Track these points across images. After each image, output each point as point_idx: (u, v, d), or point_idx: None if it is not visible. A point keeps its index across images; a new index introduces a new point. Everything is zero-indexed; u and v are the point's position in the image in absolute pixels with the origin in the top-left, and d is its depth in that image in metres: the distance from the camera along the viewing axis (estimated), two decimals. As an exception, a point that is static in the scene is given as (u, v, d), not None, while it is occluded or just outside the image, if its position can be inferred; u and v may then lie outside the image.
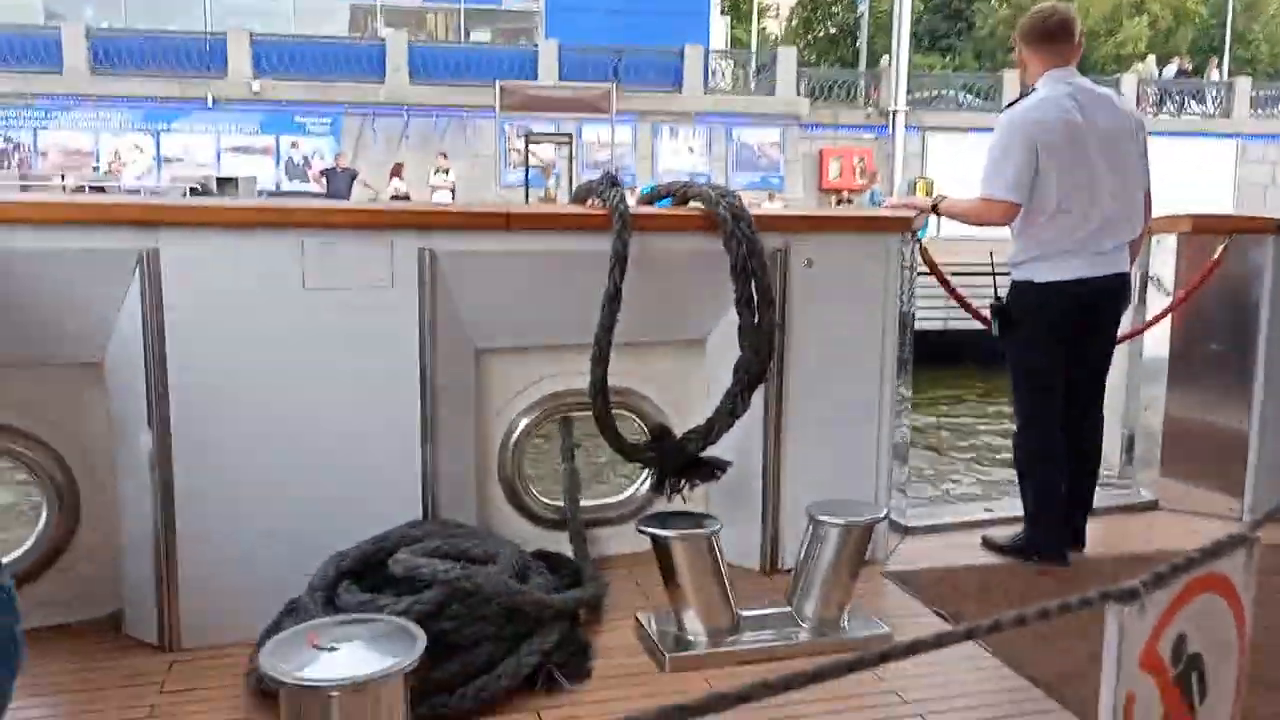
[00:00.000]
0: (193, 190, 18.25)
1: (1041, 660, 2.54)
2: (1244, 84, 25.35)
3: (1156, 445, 3.92)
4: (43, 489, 2.60)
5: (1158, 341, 3.89)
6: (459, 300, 2.72)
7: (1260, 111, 25.10)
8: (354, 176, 17.69)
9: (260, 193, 19.02)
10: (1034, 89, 3.22)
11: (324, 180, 17.99)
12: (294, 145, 21.64)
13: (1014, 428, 3.43)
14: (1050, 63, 3.18)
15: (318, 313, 2.57)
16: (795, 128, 22.47)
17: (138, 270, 2.41)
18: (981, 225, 3.25)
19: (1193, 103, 25.21)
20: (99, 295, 2.43)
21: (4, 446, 2.54)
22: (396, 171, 18.86)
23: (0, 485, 5.54)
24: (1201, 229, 3.79)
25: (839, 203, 22.45)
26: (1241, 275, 3.73)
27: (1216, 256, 3.69)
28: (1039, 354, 3.25)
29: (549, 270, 2.83)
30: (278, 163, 21.42)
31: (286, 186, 20.81)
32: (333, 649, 1.80)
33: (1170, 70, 27.27)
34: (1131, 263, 3.34)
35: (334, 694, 1.71)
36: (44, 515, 2.61)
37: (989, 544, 3.45)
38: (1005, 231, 3.31)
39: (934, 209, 3.39)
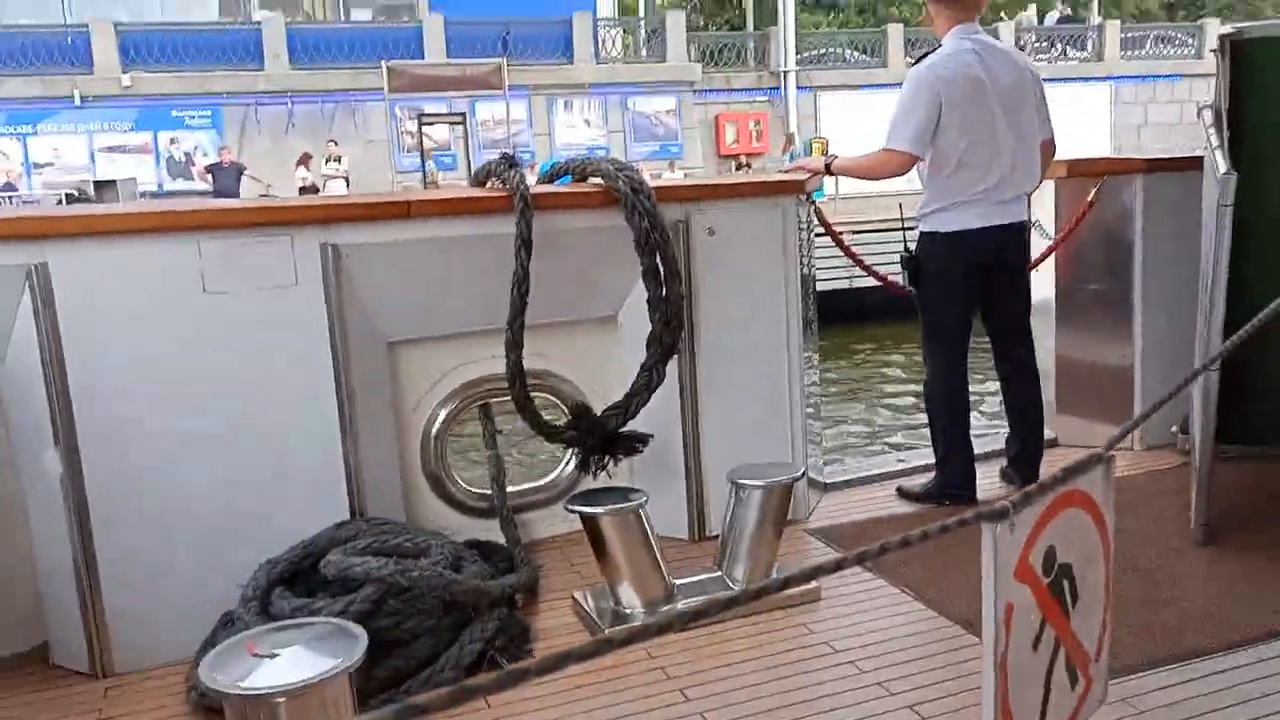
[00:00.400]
0: (69, 197, 17.31)
1: (958, 599, 2.69)
2: (1114, 27, 26.35)
3: (1051, 384, 4.06)
4: None
5: (1043, 284, 4.04)
6: (366, 294, 2.71)
7: (1130, 53, 26.14)
8: (241, 171, 17.14)
9: (143, 194, 18.21)
10: (940, 44, 3.35)
11: (210, 177, 17.32)
12: (173, 141, 20.69)
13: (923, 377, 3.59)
14: (956, 19, 3.32)
15: (221, 317, 2.53)
16: (689, 94, 22.52)
17: (27, 286, 2.33)
18: (878, 178, 3.37)
19: (1070, 49, 26.10)
20: None
21: None
22: (303, 161, 18.28)
23: None
24: (1076, 173, 3.97)
25: (739, 168, 22.65)
26: (1115, 215, 3.90)
27: (1090, 198, 3.87)
28: (947, 302, 3.38)
29: (454, 256, 2.83)
30: (158, 161, 20.48)
31: (170, 186, 19.93)
32: (273, 655, 1.80)
33: (1052, 18, 28.21)
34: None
35: (280, 699, 1.70)
36: None
37: (903, 493, 3.61)
38: (900, 184, 3.42)
39: (827, 169, 3.49)
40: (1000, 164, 3.26)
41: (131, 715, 2.29)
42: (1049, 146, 3.47)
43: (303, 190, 17.60)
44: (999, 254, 3.36)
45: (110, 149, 20.36)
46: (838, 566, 0.96)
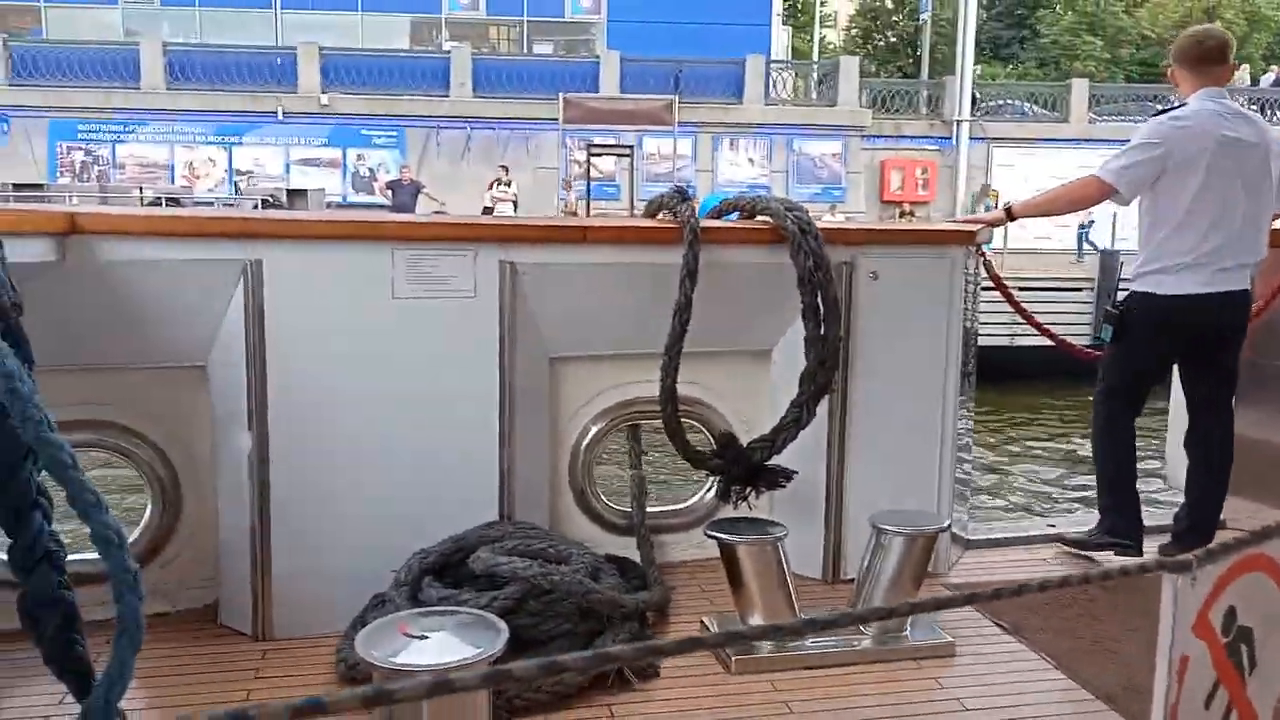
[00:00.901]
0: (264, 202, 18.79)
1: (1104, 673, 2.56)
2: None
3: None
4: (148, 484, 2.76)
5: None
6: (536, 310, 2.83)
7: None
8: (419, 189, 18.09)
9: (328, 204, 19.52)
10: (1185, 102, 3.27)
11: (390, 193, 18.39)
12: (359, 158, 22.17)
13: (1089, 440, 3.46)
14: (1203, 83, 3.24)
15: (405, 321, 2.69)
16: (857, 139, 22.34)
17: (242, 280, 2.56)
18: (1066, 210, 3.33)
19: None
20: (205, 303, 2.59)
21: (113, 443, 2.71)
22: (495, 181, 19.09)
23: (109, 478, 5.76)
24: (1275, 243, 3.72)
25: (903, 215, 22.26)
26: None
27: None
28: (1141, 364, 3.31)
29: (621, 281, 2.93)
30: (344, 175, 21.96)
31: (353, 199, 21.32)
32: (423, 638, 1.90)
33: (1268, 79, 26.63)
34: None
35: (425, 679, 1.80)
36: (148, 509, 2.77)
37: (1065, 541, 3.49)
38: (1070, 241, 3.33)
39: (1009, 213, 3.46)
40: (1226, 229, 3.13)
41: (286, 677, 2.46)
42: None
43: (485, 210, 18.51)
44: (1219, 322, 3.23)
45: (304, 161, 21.98)
46: (996, 595, 0.99)
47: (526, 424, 2.87)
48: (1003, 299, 3.78)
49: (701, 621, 2.78)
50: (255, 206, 18.58)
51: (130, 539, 2.72)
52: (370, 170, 22.03)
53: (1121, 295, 3.35)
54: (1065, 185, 3.33)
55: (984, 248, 3.51)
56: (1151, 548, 3.45)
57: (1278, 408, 3.85)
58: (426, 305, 2.70)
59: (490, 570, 2.42)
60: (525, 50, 25.80)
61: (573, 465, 3.11)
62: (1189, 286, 3.16)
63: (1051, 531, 3.73)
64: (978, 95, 23.66)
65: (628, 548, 3.06)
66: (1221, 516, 3.71)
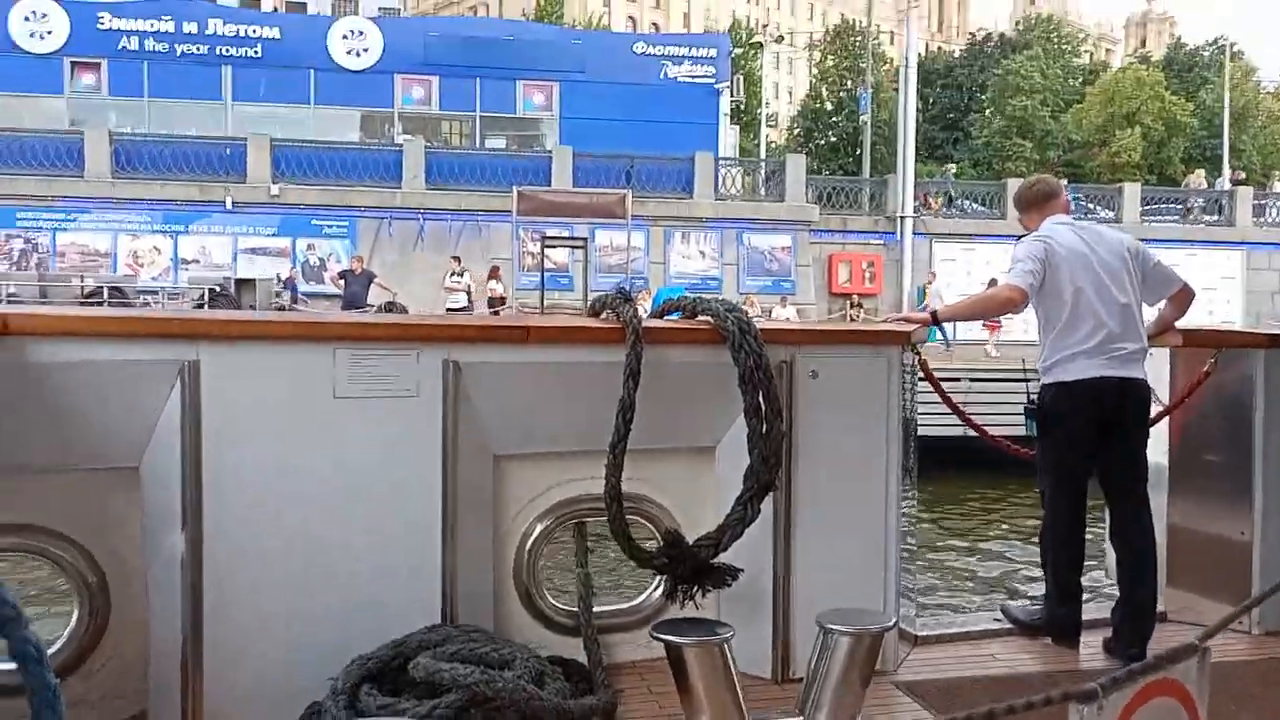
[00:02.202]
0: (212, 292, 18.44)
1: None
2: (1245, 193, 25.85)
3: (1162, 556, 3.85)
4: (75, 590, 2.61)
5: (1156, 451, 3.89)
6: (480, 408, 2.83)
7: (1261, 219, 25.51)
8: (372, 279, 17.88)
9: (277, 293, 19.22)
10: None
11: (342, 282, 18.15)
12: (310, 247, 21.99)
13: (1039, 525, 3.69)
14: (1047, 214, 3.67)
15: (346, 421, 2.68)
16: (805, 233, 22.83)
17: (179, 380, 2.51)
18: (987, 315, 3.59)
19: (1204, 214, 25.78)
20: (140, 403, 2.53)
21: (39, 547, 2.57)
22: (494, 274, 19.06)
23: (32, 585, 5.53)
24: (1191, 343, 3.89)
25: (853, 306, 22.66)
26: (1234, 387, 3.82)
27: (1207, 369, 3.81)
28: (1067, 450, 3.50)
29: (565, 380, 2.97)
30: (294, 264, 21.72)
31: (303, 288, 21.03)
32: None
33: (1223, 181, 28.55)
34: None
35: None
36: (74, 616, 2.61)
37: (1007, 614, 3.75)
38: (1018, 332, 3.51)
39: (933, 318, 3.71)
40: (1108, 319, 3.41)
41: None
42: (1185, 293, 3.67)
43: (491, 301, 18.55)
44: (1120, 407, 3.44)
45: (253, 250, 21.73)
46: None
47: (470, 523, 2.85)
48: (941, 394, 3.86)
49: None
50: (201, 295, 18.26)
51: (54, 648, 2.55)
52: (321, 260, 21.84)
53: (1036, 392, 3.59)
54: (983, 293, 3.63)
55: (930, 340, 3.58)
56: (1097, 639, 3.59)
57: (1208, 501, 3.94)
58: (368, 404, 2.70)
59: (431, 677, 2.36)
60: (478, 144, 26.13)
61: (518, 565, 3.08)
62: (1091, 371, 3.40)
63: (995, 627, 3.79)
64: (918, 192, 24.42)
65: (575, 649, 3.00)
66: (1161, 609, 3.82)
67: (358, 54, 25.69)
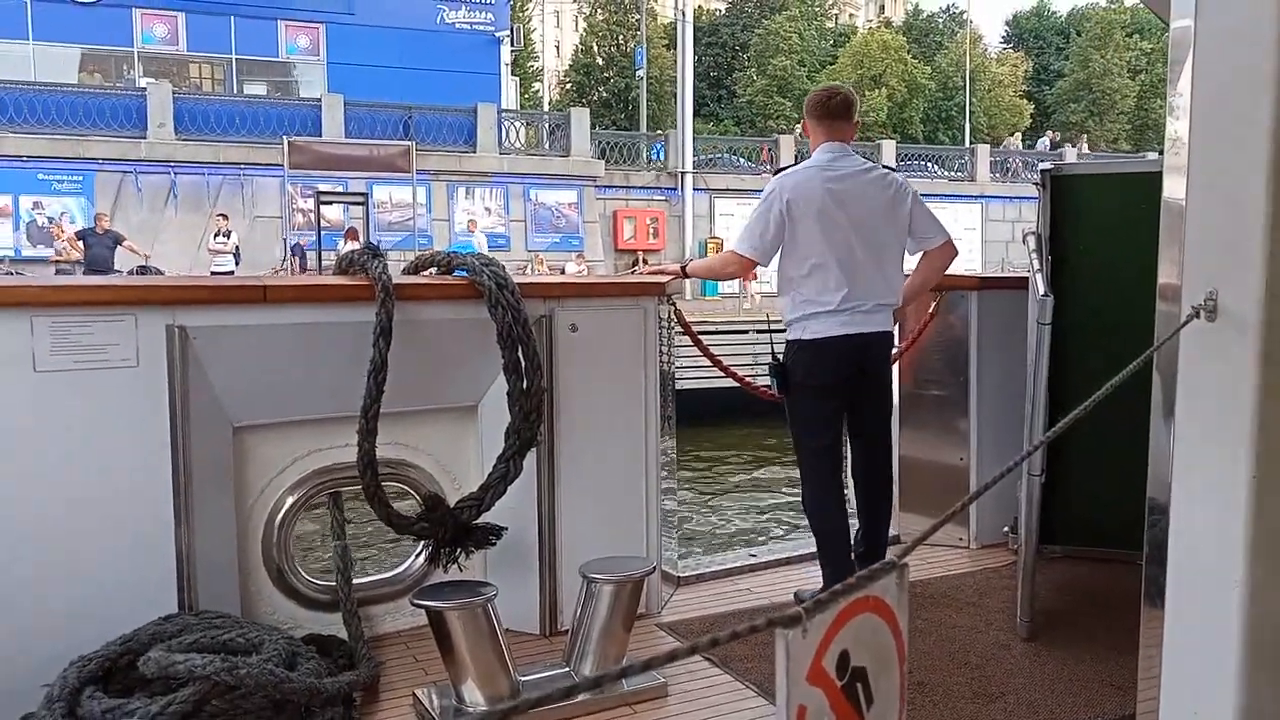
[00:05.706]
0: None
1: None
2: (984, 150, 28.31)
3: (895, 483, 4.16)
4: None
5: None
6: (213, 377, 2.69)
7: (997, 175, 28.07)
8: (119, 240, 15.85)
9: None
10: (810, 156, 3.48)
11: (82, 244, 15.98)
12: (36, 205, 19.24)
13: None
14: (828, 136, 3.42)
15: (50, 397, 2.48)
16: (591, 188, 22.65)
17: None
18: (726, 278, 3.70)
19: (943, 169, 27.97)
20: None
21: None
22: (351, 236, 17.10)
23: None
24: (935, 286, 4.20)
25: (635, 263, 22.77)
26: (954, 327, 4.20)
27: (932, 310, 4.16)
28: (814, 409, 3.42)
29: (310, 342, 2.84)
30: (16, 225, 18.96)
31: (29, 253, 18.43)
32: None
33: (1044, 143, 31.88)
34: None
35: None
36: None
37: (799, 600, 3.62)
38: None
39: (683, 271, 3.64)
40: (853, 275, 3.30)
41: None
42: (947, 249, 3.51)
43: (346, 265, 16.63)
44: (863, 362, 3.40)
45: (-37, 211, 18.72)
46: (671, 657, 1.00)
47: (207, 502, 2.70)
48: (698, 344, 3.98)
49: (414, 694, 2.71)
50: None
51: None
52: (50, 219, 19.17)
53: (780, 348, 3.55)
54: (718, 256, 3.55)
55: (709, 293, 3.62)
56: None
57: (933, 432, 4.34)
58: (77, 378, 2.50)
59: (164, 671, 2.22)
60: (235, 91, 23.85)
61: (267, 542, 2.92)
62: (833, 329, 3.31)
63: (752, 561, 4.05)
64: (694, 149, 24.87)
65: (335, 624, 2.94)
66: (894, 532, 4.07)
67: (84, -17, 22.65)
